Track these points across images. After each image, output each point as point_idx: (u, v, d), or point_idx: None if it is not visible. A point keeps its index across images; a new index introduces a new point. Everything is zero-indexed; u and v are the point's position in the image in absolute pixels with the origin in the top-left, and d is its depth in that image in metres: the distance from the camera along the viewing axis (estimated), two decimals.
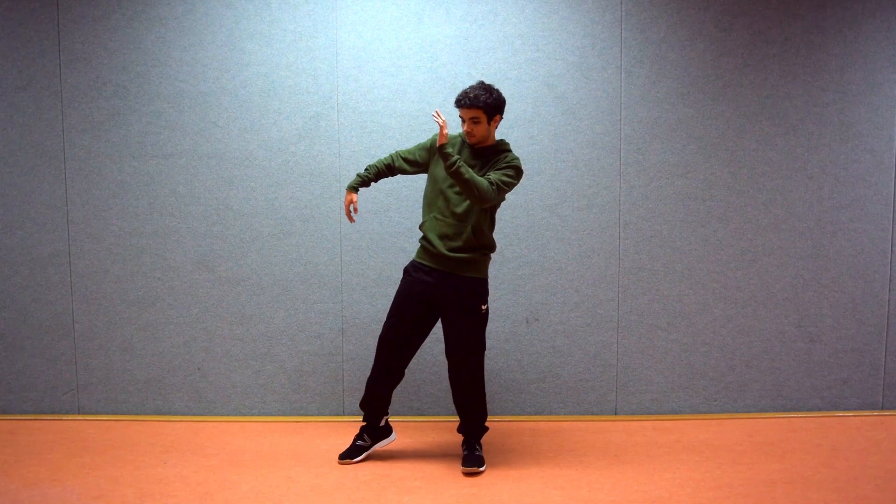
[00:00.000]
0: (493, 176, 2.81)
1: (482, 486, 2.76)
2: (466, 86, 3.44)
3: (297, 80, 3.48)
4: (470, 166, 2.87)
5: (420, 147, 3.03)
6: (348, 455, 3.03)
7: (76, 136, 3.53)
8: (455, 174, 2.72)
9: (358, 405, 3.68)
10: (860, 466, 2.93)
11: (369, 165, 3.03)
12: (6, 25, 3.49)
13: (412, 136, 3.46)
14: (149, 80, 3.50)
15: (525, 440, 3.26)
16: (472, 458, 2.94)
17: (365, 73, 3.48)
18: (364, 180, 3.00)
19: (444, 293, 2.92)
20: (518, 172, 2.89)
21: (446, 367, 3.51)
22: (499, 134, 3.47)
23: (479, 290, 2.96)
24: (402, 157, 3.03)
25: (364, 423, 3.09)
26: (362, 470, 2.93)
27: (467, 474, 2.89)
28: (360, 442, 3.07)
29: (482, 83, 2.87)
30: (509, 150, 2.95)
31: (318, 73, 3.48)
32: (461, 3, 3.46)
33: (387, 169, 3.02)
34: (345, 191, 3.16)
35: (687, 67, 3.49)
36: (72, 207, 3.56)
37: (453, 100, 3.46)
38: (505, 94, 3.45)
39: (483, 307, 2.95)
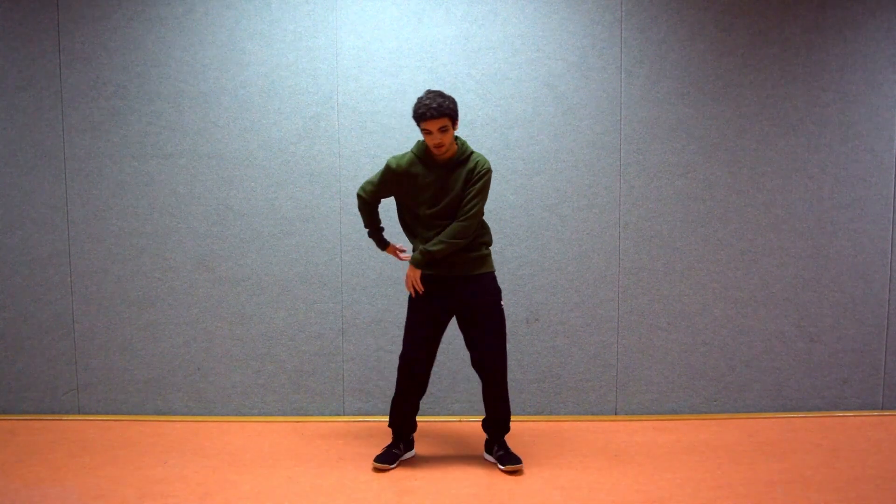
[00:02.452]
0: (467, 206, 2.82)
1: (482, 486, 2.76)
2: (466, 86, 3.46)
3: (297, 80, 3.48)
4: (443, 185, 2.85)
5: (382, 182, 2.96)
6: (387, 460, 2.97)
7: (76, 136, 3.53)
8: (437, 258, 2.84)
9: (356, 407, 3.68)
10: (860, 466, 2.93)
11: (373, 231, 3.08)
12: (6, 25, 3.49)
13: (412, 136, 3.46)
14: (149, 80, 3.50)
15: (525, 440, 3.26)
16: (512, 456, 2.94)
17: (365, 73, 3.48)
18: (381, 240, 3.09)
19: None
20: (488, 175, 2.85)
21: (446, 367, 3.51)
22: (500, 135, 3.48)
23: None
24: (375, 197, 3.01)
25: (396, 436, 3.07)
26: (362, 470, 2.93)
27: (511, 472, 2.90)
28: (395, 450, 3.03)
29: (433, 91, 2.79)
30: (472, 151, 2.89)
31: (318, 73, 3.48)
32: (461, 3, 3.45)
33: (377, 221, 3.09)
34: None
35: (687, 67, 3.49)
36: (72, 207, 3.56)
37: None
38: (505, 94, 3.47)
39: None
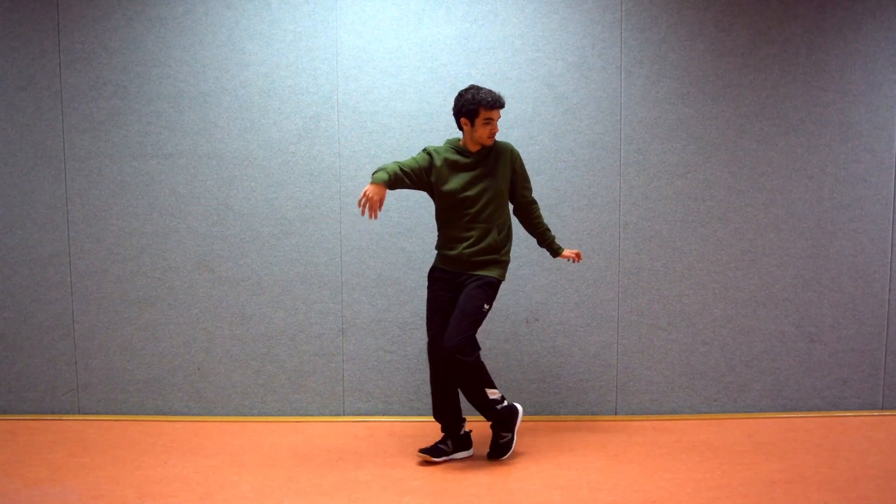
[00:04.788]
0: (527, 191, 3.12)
1: (482, 486, 2.76)
2: (467, 86, 3.46)
3: (297, 80, 3.48)
4: (479, 173, 2.96)
5: (419, 164, 2.97)
6: (430, 452, 3.02)
7: (76, 136, 3.53)
8: None
9: (356, 407, 3.69)
10: (860, 466, 2.93)
11: (391, 170, 2.87)
12: (6, 25, 3.49)
13: (412, 136, 3.46)
14: (149, 80, 3.50)
15: (525, 440, 3.26)
16: (493, 450, 3.07)
17: (365, 73, 3.48)
18: (393, 179, 2.87)
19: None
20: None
21: None
22: (500, 134, 3.46)
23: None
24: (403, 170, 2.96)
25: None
26: (362, 470, 2.93)
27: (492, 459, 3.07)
28: (442, 445, 3.05)
29: (476, 85, 2.96)
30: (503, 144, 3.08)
31: (318, 73, 3.48)
32: (461, 3, 3.45)
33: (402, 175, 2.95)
34: (371, 183, 2.83)
35: (687, 67, 3.49)
36: (72, 207, 3.56)
37: (451, 106, 3.46)
38: (505, 93, 3.48)
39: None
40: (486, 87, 3.46)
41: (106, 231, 3.57)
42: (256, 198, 3.54)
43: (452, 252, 2.98)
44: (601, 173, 3.51)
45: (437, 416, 3.06)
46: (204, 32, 3.48)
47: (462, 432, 3.08)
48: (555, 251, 3.15)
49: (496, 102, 2.88)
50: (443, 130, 3.44)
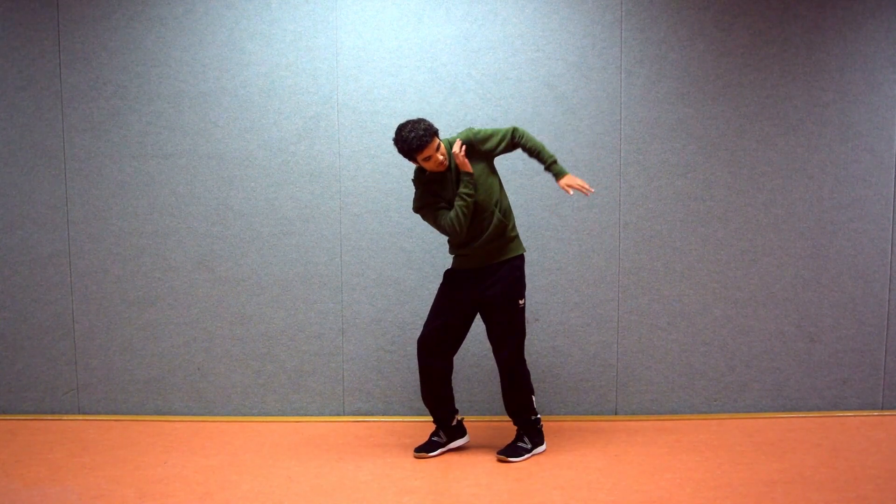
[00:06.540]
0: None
1: (482, 486, 2.76)
2: (466, 86, 3.47)
3: (297, 80, 3.49)
4: (457, 179, 2.97)
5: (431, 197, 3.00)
6: (424, 449, 3.08)
7: (76, 136, 3.53)
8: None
9: (356, 407, 3.68)
10: (860, 466, 2.93)
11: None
12: (6, 25, 3.49)
13: None
14: (149, 80, 3.50)
15: None
16: (509, 448, 3.06)
17: (365, 73, 3.48)
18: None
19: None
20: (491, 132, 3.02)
21: (450, 368, 3.52)
22: None
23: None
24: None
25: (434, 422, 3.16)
26: (362, 470, 2.93)
27: (500, 459, 3.02)
28: (435, 438, 3.12)
29: (407, 121, 2.86)
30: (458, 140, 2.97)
31: (318, 73, 3.48)
32: (461, 3, 3.46)
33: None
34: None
35: (687, 67, 3.49)
36: (72, 207, 3.56)
37: (451, 106, 3.46)
38: (505, 94, 3.48)
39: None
40: (483, 86, 3.46)
41: (106, 231, 3.57)
42: (256, 198, 3.54)
43: (467, 250, 3.00)
44: (601, 173, 3.51)
45: (427, 404, 3.12)
46: (204, 32, 3.48)
47: (454, 422, 3.12)
48: (555, 174, 3.00)
49: (422, 144, 2.80)
50: (442, 130, 3.44)
